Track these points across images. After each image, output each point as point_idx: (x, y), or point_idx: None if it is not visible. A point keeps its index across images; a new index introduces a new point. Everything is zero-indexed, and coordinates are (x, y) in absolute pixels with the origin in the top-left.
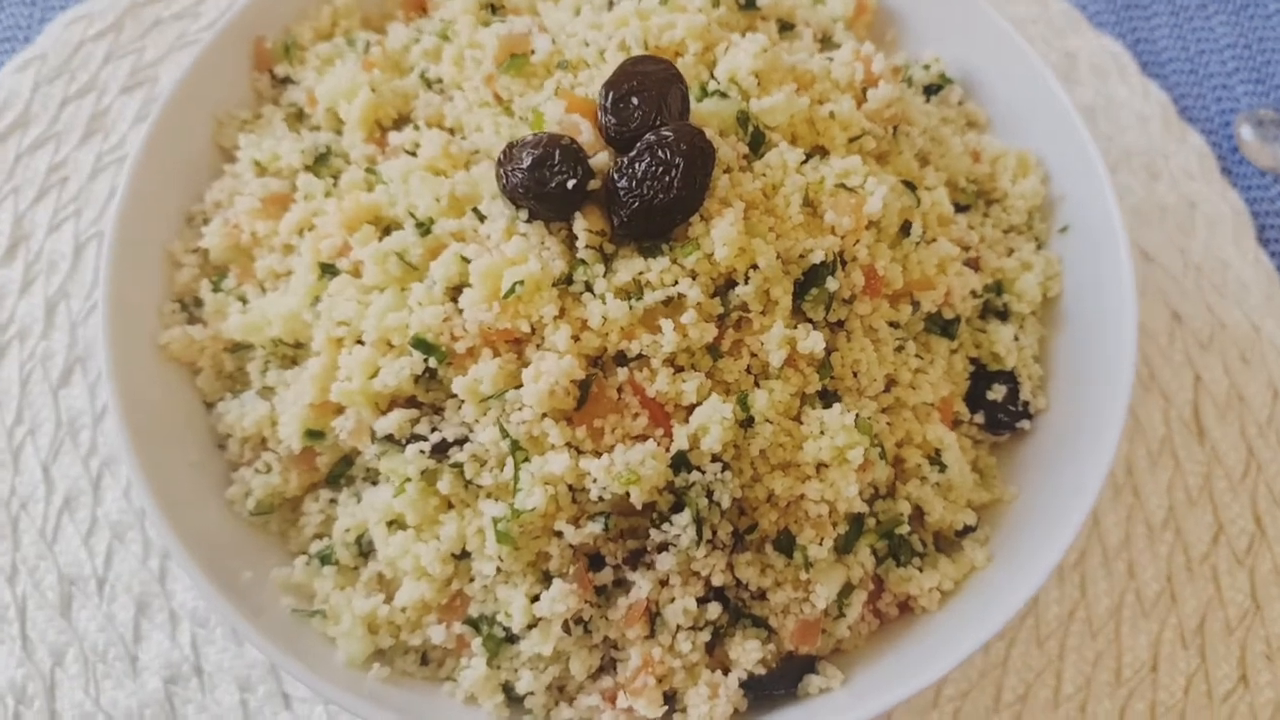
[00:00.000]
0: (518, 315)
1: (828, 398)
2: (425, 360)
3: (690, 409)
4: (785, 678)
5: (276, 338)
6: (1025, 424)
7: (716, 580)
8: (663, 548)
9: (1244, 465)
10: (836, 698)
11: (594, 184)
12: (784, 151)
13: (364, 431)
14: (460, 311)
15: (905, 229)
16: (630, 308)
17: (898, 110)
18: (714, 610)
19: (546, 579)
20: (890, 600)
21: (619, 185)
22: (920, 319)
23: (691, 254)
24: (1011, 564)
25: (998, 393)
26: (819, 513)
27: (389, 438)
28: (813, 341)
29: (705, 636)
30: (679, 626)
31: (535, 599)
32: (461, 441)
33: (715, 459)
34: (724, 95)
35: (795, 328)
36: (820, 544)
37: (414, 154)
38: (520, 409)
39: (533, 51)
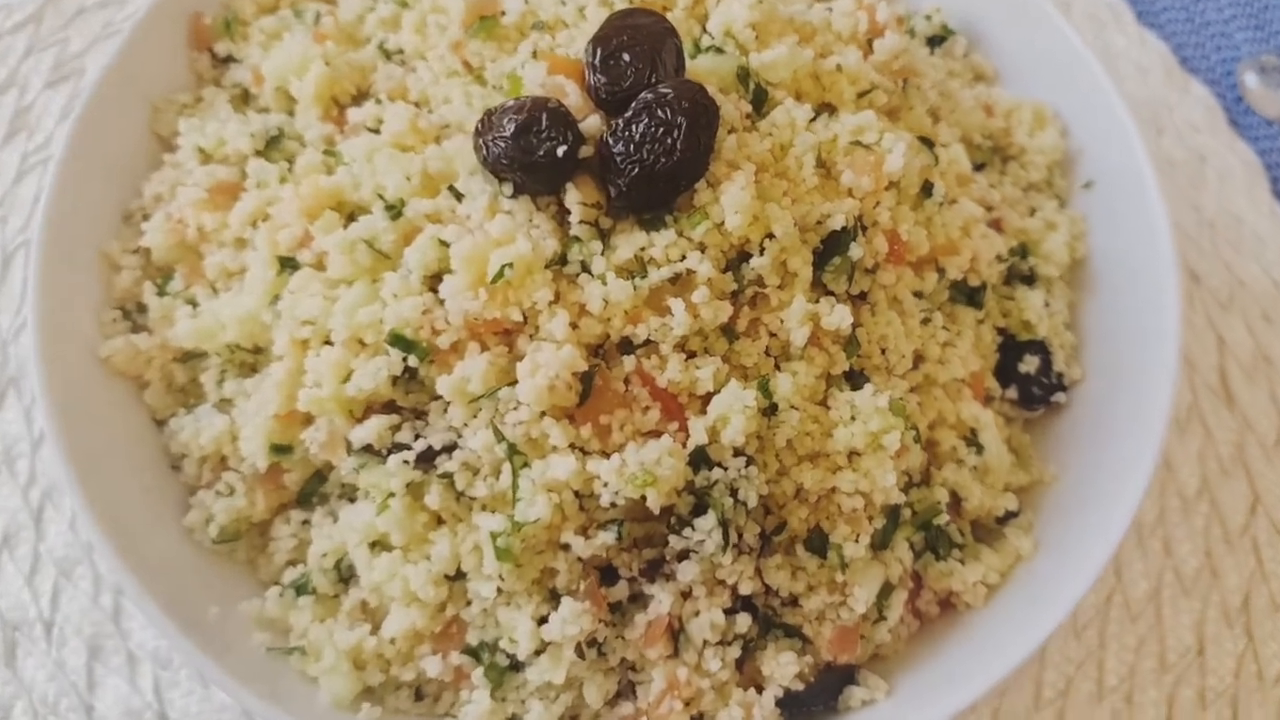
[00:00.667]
0: (507, 302)
1: (854, 379)
2: (404, 359)
3: (705, 398)
4: (824, 692)
5: (232, 343)
6: (1061, 397)
7: (744, 588)
8: (684, 555)
9: (1276, 430)
10: (882, 711)
11: (586, 150)
12: (790, 109)
13: (338, 443)
14: (441, 302)
15: (926, 190)
16: (634, 288)
17: (906, 62)
18: (743, 622)
19: (554, 598)
20: (930, 598)
21: (615, 150)
22: (945, 288)
23: (700, 224)
24: (1059, 551)
25: (1030, 364)
26: (853, 506)
27: (367, 448)
28: (838, 316)
29: (735, 652)
30: (706, 642)
31: (542, 621)
32: (450, 449)
33: (738, 453)
34: (720, 50)
35: (817, 302)
36: (856, 541)
37: (377, 131)
38: (516, 408)
39: (503, 13)
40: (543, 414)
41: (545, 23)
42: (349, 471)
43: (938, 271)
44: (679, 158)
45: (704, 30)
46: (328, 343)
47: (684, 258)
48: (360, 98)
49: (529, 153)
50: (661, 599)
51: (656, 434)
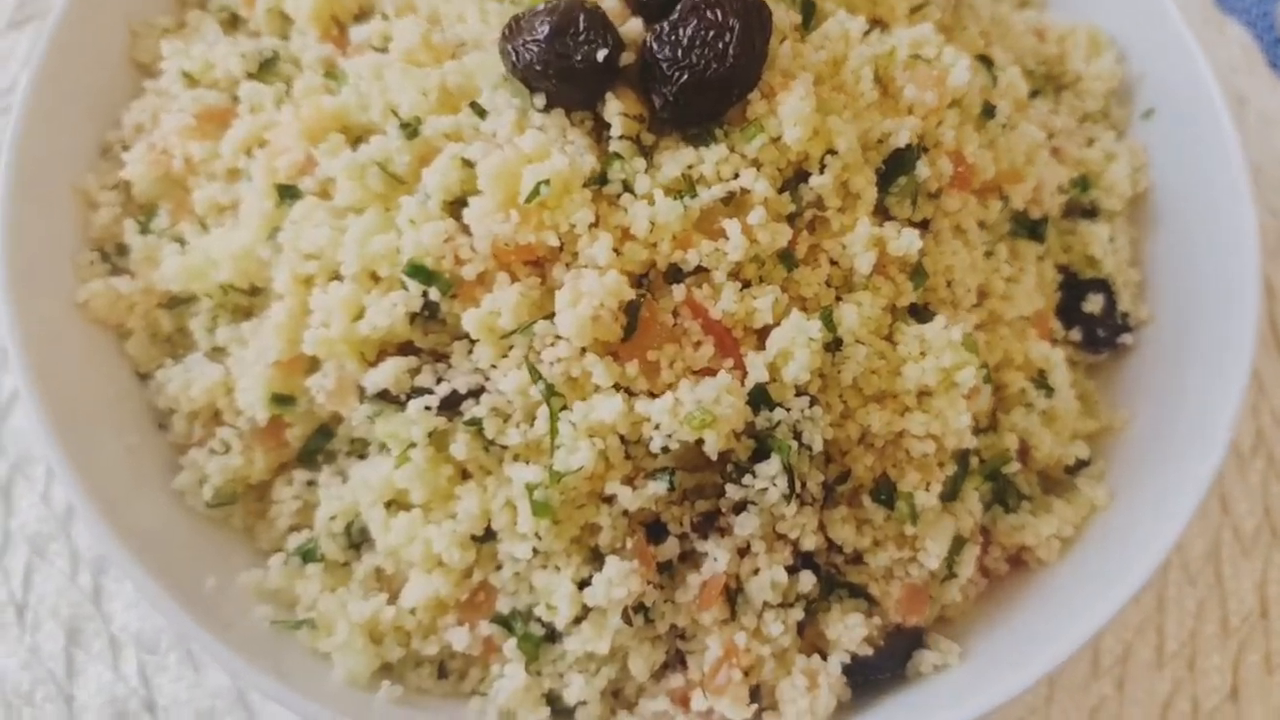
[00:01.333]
0: (543, 225)
1: (918, 314)
2: (424, 292)
3: (762, 332)
4: (893, 657)
5: (226, 283)
6: (1127, 338)
7: (807, 544)
8: (741, 507)
9: None
10: (956, 677)
11: (627, 57)
12: (844, 20)
13: (348, 390)
14: (465, 229)
15: (988, 112)
16: (684, 208)
17: None
18: (807, 581)
19: (596, 558)
20: (999, 554)
21: (660, 56)
22: (1006, 219)
23: (755, 138)
24: (1137, 502)
25: (1094, 304)
26: (923, 451)
27: (383, 394)
28: (906, 241)
29: (797, 615)
30: (766, 604)
31: (584, 584)
32: (476, 392)
33: (800, 392)
34: None
35: (881, 226)
36: (927, 489)
37: (384, 50)
38: (553, 344)
39: None
40: (584, 350)
41: None
42: (361, 422)
43: (1001, 199)
44: (732, 63)
45: None
46: (335, 278)
47: (737, 175)
48: (363, 16)
49: (565, 57)
50: (717, 556)
51: (709, 372)
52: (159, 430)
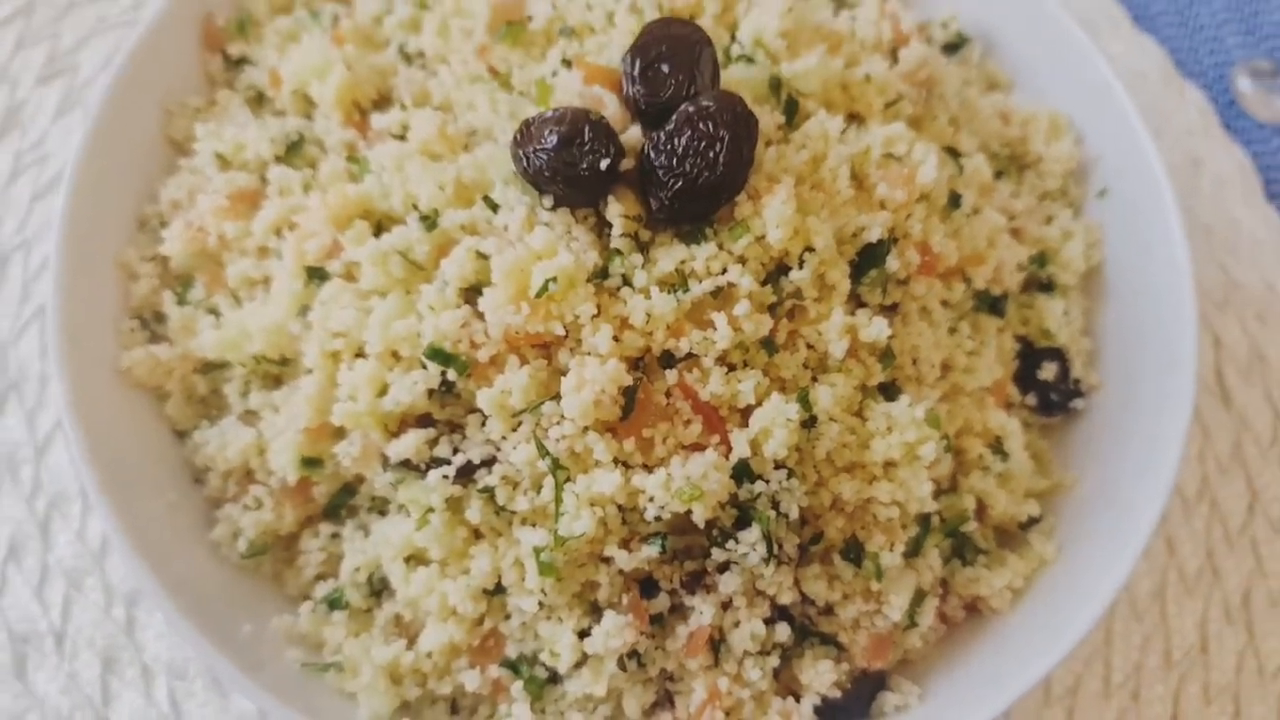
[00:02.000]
0: (551, 316)
1: (886, 390)
2: (443, 372)
3: (745, 411)
4: (859, 698)
5: (258, 354)
6: (1079, 403)
7: (784, 598)
8: (724, 567)
9: (1271, 430)
10: (917, 716)
11: (627, 163)
12: (824, 120)
13: (372, 456)
14: (480, 315)
15: (953, 200)
16: (677, 302)
17: (930, 71)
18: (782, 632)
19: (595, 611)
20: (956, 603)
21: (657, 163)
22: (969, 297)
23: (741, 237)
24: (1083, 556)
25: (1048, 371)
26: (889, 516)
27: (405, 463)
28: (876, 329)
29: (774, 661)
30: (745, 652)
31: (584, 634)
32: (489, 462)
33: (779, 465)
34: (750, 60)
35: (853, 314)
36: (891, 550)
37: (403, 138)
38: (559, 422)
39: (530, 18)
40: (586, 429)
41: (573, 28)
42: (384, 486)
43: (964, 281)
44: (722, 171)
45: (733, 39)
46: (360, 355)
47: (725, 270)
48: (381, 102)
49: (572, 165)
50: (703, 610)
51: (698, 447)
52: (195, 484)
